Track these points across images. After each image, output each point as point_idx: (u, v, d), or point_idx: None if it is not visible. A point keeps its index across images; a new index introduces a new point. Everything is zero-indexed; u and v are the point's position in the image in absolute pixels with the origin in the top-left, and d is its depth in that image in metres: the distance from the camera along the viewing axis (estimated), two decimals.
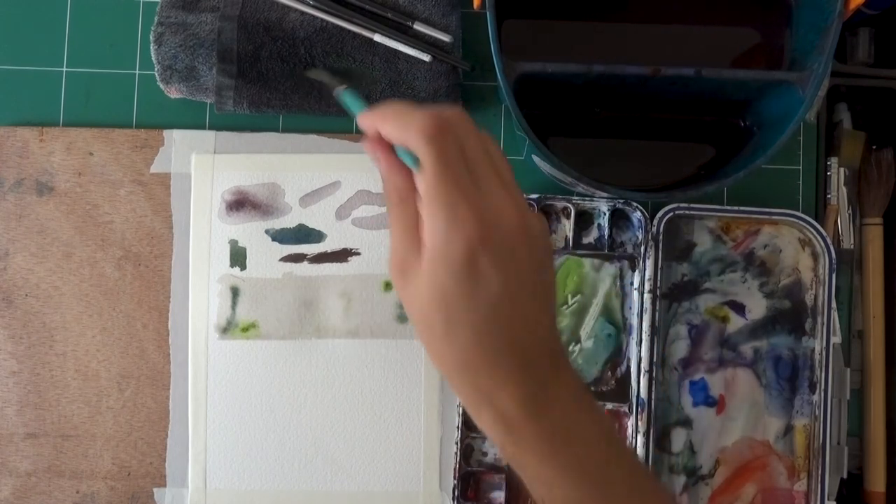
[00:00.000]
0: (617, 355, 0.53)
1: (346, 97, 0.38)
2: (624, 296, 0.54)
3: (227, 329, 0.53)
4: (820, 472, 0.52)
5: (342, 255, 0.54)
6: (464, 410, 0.52)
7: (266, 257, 0.53)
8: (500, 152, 0.34)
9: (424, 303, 0.31)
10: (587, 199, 0.53)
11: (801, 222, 0.53)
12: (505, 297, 0.31)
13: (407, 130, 0.31)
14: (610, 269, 0.54)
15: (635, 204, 0.53)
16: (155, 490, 0.53)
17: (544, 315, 0.32)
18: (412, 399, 0.53)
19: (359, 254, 0.54)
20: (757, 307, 0.54)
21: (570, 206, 0.53)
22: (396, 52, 0.52)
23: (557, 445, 0.32)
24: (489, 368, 0.31)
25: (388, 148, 0.33)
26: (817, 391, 0.52)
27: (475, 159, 0.32)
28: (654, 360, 0.52)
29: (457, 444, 0.52)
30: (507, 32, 0.53)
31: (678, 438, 0.53)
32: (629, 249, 0.54)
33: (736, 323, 0.54)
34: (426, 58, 0.52)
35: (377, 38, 0.52)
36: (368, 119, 0.34)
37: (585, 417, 0.33)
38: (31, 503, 0.53)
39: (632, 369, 0.52)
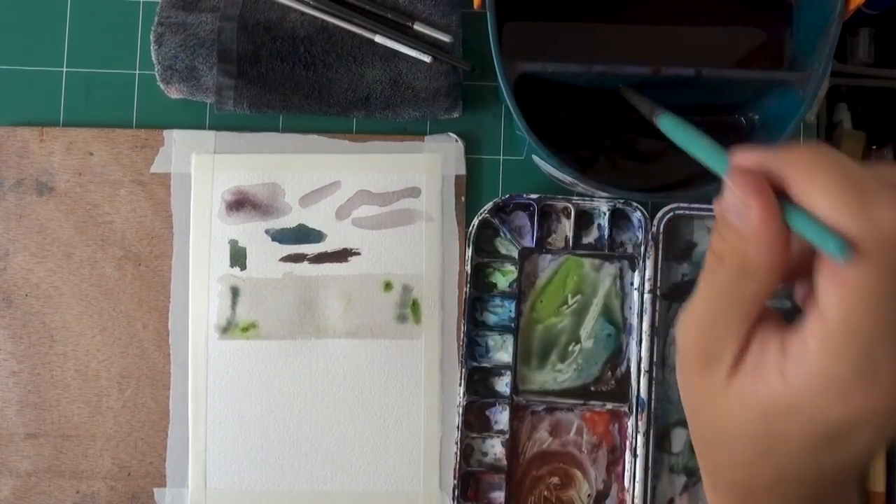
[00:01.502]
0: (617, 355, 0.53)
1: (697, 143, 0.29)
2: (624, 296, 0.54)
3: (227, 329, 0.53)
4: None
5: (342, 255, 0.54)
6: (464, 410, 0.52)
7: (266, 257, 0.53)
8: None
9: (741, 438, 0.24)
10: (587, 199, 0.53)
11: None
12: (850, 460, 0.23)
13: (860, 203, 0.20)
14: (610, 269, 0.54)
15: (635, 204, 0.53)
16: (155, 490, 0.53)
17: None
18: (412, 399, 0.53)
19: (359, 254, 0.54)
20: None
21: (570, 206, 0.53)
22: (396, 52, 0.52)
23: None
24: None
25: (775, 203, 0.22)
26: None
27: None
28: (654, 359, 0.52)
29: (457, 444, 0.52)
30: (507, 32, 0.53)
31: (678, 438, 0.53)
32: (629, 249, 0.54)
33: None
34: (426, 58, 0.52)
35: (378, 38, 0.52)
36: (766, 158, 0.23)
37: None
38: (30, 503, 0.53)
39: (632, 369, 0.53)
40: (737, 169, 0.23)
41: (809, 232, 0.21)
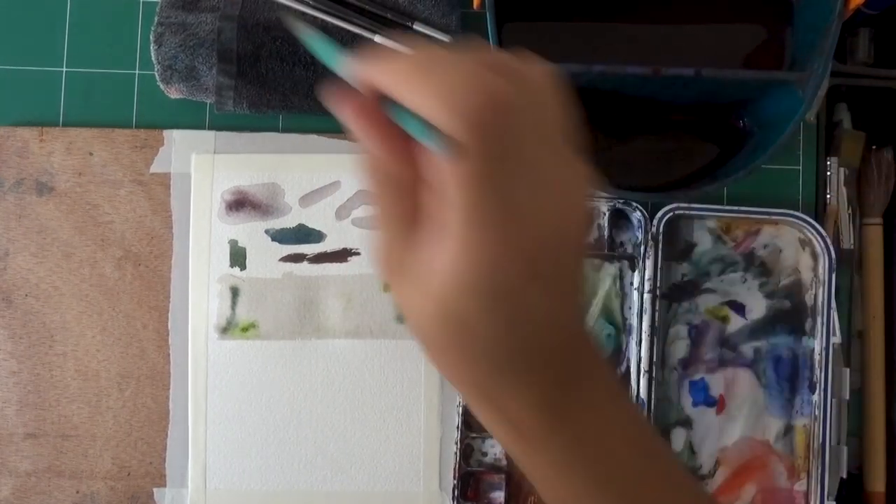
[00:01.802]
0: (617, 355, 0.53)
1: (317, 43, 0.26)
2: (624, 296, 0.54)
3: (226, 329, 0.53)
4: (820, 472, 0.52)
5: (342, 255, 0.54)
6: (464, 410, 0.52)
7: (266, 257, 0.53)
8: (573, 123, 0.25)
9: (431, 323, 0.25)
10: None
11: (801, 222, 0.53)
12: (545, 321, 0.25)
13: (442, 101, 0.22)
14: (610, 270, 0.54)
15: (635, 204, 0.53)
16: (155, 490, 0.53)
17: (572, 310, 0.26)
18: (412, 399, 0.53)
19: (359, 254, 0.54)
20: (757, 307, 0.54)
21: None
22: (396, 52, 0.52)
23: (582, 459, 0.27)
24: (502, 377, 0.26)
25: (384, 118, 0.24)
26: (817, 391, 0.52)
27: (542, 145, 0.24)
28: (654, 360, 0.52)
29: (457, 444, 0.52)
30: (507, 33, 0.53)
31: (678, 438, 0.53)
32: (629, 249, 0.54)
33: (736, 323, 0.54)
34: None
35: (378, 39, 0.52)
36: (366, 70, 0.24)
37: (618, 426, 0.27)
38: (30, 503, 0.53)
39: (632, 369, 0.52)
40: (346, 98, 0.24)
41: (419, 135, 0.23)
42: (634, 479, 0.27)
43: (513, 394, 0.26)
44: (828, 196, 0.55)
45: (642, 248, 0.53)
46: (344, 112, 0.24)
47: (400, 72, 0.23)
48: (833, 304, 0.53)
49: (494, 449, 0.53)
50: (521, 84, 0.24)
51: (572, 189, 0.24)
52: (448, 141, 0.22)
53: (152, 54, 0.52)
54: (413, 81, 0.23)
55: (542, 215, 0.23)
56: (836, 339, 0.53)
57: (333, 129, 0.54)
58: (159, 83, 0.52)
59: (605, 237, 0.53)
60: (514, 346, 0.25)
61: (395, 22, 0.53)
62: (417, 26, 0.52)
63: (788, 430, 0.53)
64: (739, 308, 0.54)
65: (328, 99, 0.24)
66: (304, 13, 0.53)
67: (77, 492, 0.53)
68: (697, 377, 0.53)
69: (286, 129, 0.54)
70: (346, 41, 0.52)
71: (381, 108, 0.24)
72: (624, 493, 0.27)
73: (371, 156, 0.25)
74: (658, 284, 0.52)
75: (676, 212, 0.52)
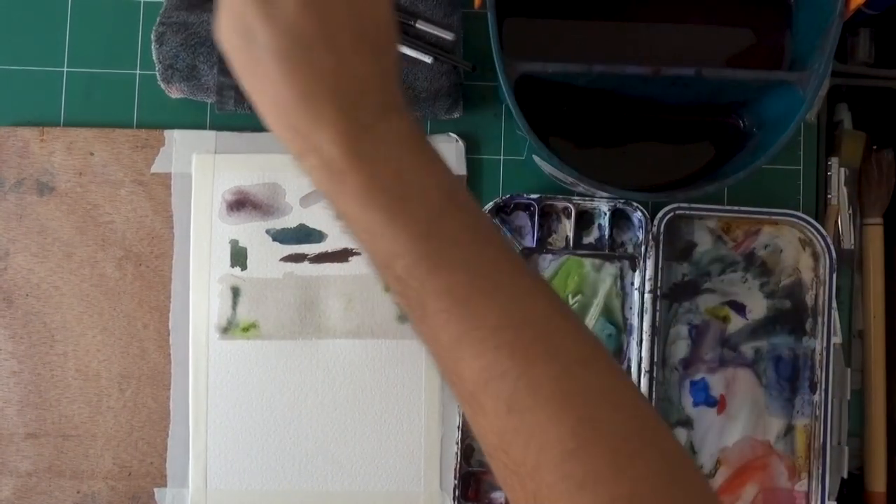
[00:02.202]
0: (617, 355, 0.53)
1: None
2: (624, 296, 0.54)
3: (227, 329, 0.53)
4: (820, 472, 0.52)
5: (343, 255, 0.54)
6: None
7: (266, 257, 0.53)
8: None
9: (225, 26, 0.28)
10: (587, 199, 0.53)
11: (801, 222, 0.53)
12: (307, 18, 0.28)
13: None
14: (610, 269, 0.54)
15: (636, 204, 0.53)
16: (155, 490, 0.53)
17: (368, 56, 0.29)
18: (412, 399, 0.53)
19: (359, 254, 0.54)
20: (757, 307, 0.54)
21: (570, 206, 0.53)
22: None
23: (382, 190, 0.29)
24: (304, 106, 0.28)
25: None
26: (818, 391, 0.52)
27: None
28: (655, 360, 0.52)
29: (457, 444, 0.52)
30: (507, 32, 0.53)
31: (679, 438, 0.53)
32: (629, 249, 0.54)
33: (736, 323, 0.54)
34: (427, 59, 0.52)
35: None
36: None
37: (418, 166, 0.30)
38: (31, 503, 0.53)
39: (632, 369, 0.52)
40: None
41: None
42: (431, 212, 0.29)
43: (321, 129, 0.28)
44: (828, 196, 0.55)
45: (643, 248, 0.53)
46: None
47: None
48: (833, 304, 0.53)
49: None
50: None
51: None
52: None
53: (153, 53, 0.52)
54: None
55: None
56: (837, 339, 0.53)
57: None
58: (160, 82, 0.52)
59: (606, 237, 0.53)
60: (299, 59, 0.28)
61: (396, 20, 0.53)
62: (420, 24, 0.52)
63: (789, 430, 0.53)
64: (740, 308, 0.54)
65: None
66: None
67: (78, 492, 0.53)
68: (698, 377, 0.53)
69: None
70: None
71: None
72: (419, 222, 0.29)
73: None
74: (659, 284, 0.52)
75: (677, 212, 0.52)
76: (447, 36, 0.52)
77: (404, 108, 0.30)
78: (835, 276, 0.53)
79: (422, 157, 0.30)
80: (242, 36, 0.28)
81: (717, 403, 0.53)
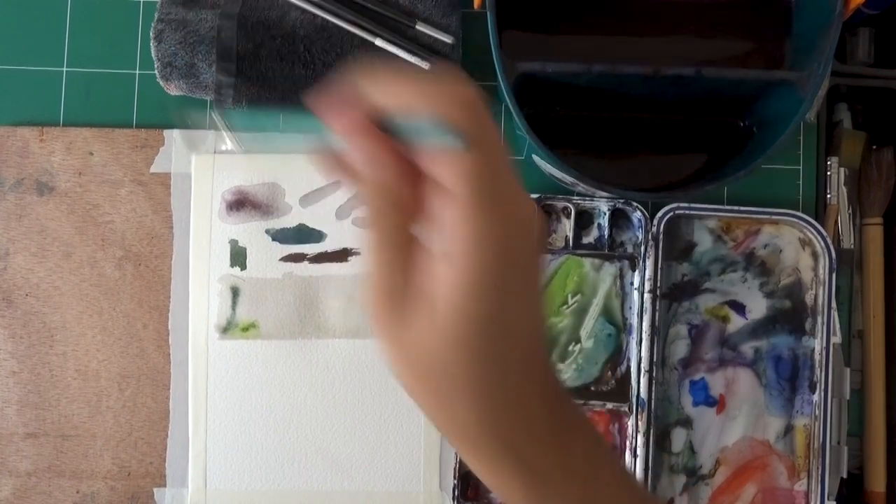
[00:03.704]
0: (617, 355, 0.53)
1: (301, 121, 0.26)
2: (624, 296, 0.54)
3: (227, 329, 0.53)
4: (820, 471, 0.52)
5: (342, 255, 0.54)
6: None
7: (266, 257, 0.53)
8: None
9: (445, 341, 0.25)
10: (587, 199, 0.53)
11: (801, 222, 0.53)
12: (534, 324, 0.26)
13: (440, 96, 0.24)
14: (610, 269, 0.54)
15: (635, 204, 0.53)
16: (155, 490, 0.53)
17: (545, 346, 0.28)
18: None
19: (359, 253, 0.53)
20: (757, 307, 0.54)
21: (570, 205, 0.53)
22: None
23: (584, 486, 0.27)
24: (518, 413, 0.26)
25: (376, 129, 0.24)
26: (817, 391, 0.52)
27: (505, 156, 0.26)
28: (655, 359, 0.52)
29: None
30: (507, 32, 0.53)
31: (678, 438, 0.53)
32: (629, 249, 0.54)
33: (736, 323, 0.54)
34: (425, 66, 0.51)
35: (378, 42, 0.52)
36: (364, 90, 0.25)
37: (602, 452, 0.29)
38: (31, 503, 0.53)
39: (632, 369, 0.52)
40: (347, 130, 0.25)
41: (428, 135, 0.24)
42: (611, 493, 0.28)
43: (533, 436, 0.26)
44: (828, 196, 0.55)
45: (643, 247, 0.53)
46: (344, 131, 0.25)
47: (390, 78, 0.24)
48: (833, 304, 0.53)
49: None
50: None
51: (529, 205, 0.26)
52: (455, 134, 0.24)
53: (152, 51, 0.51)
54: (406, 83, 0.24)
55: (521, 211, 0.25)
56: (837, 338, 0.53)
57: None
58: (159, 80, 0.52)
59: (606, 237, 0.53)
60: (522, 368, 0.25)
61: (395, 21, 0.53)
62: (420, 26, 0.52)
63: (789, 429, 0.53)
64: (739, 308, 0.54)
65: (319, 111, 0.25)
66: (304, 10, 0.53)
67: (77, 492, 0.53)
68: (698, 377, 0.53)
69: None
70: (348, 45, 0.52)
71: (378, 127, 0.24)
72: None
73: (370, 173, 0.25)
74: (658, 284, 0.52)
75: (676, 212, 0.52)
76: (446, 39, 0.52)
77: (573, 419, 0.28)
78: (834, 275, 0.53)
79: (600, 444, 0.29)
80: (474, 347, 0.25)
81: (717, 403, 0.53)
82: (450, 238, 0.24)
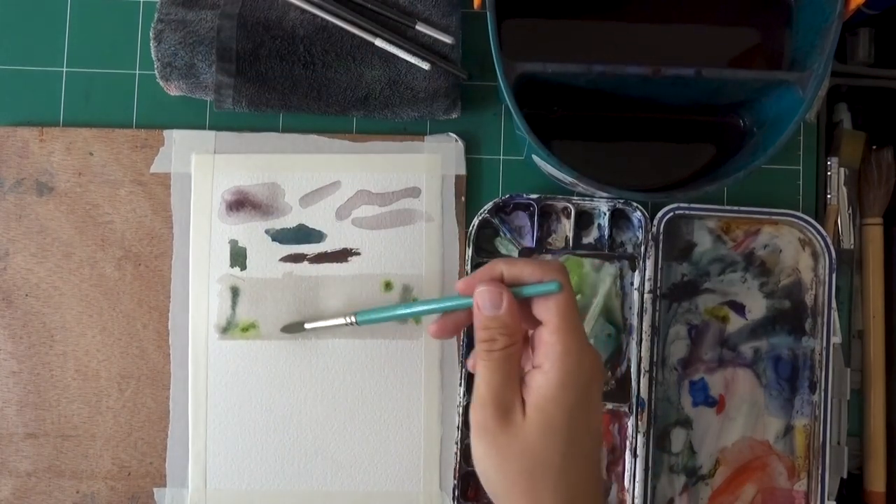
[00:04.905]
0: (617, 355, 0.53)
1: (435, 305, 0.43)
2: (624, 296, 0.54)
3: (227, 329, 0.53)
4: (820, 472, 0.52)
5: (342, 255, 0.54)
6: (464, 410, 0.52)
7: (266, 257, 0.53)
8: None
9: (541, 431, 0.35)
10: (587, 199, 0.53)
11: (801, 222, 0.53)
12: (597, 421, 0.37)
13: (543, 266, 0.38)
14: (610, 269, 0.54)
15: (635, 204, 0.53)
16: (155, 490, 0.53)
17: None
18: (412, 399, 0.53)
19: (359, 254, 0.54)
20: (757, 307, 0.54)
21: (570, 206, 0.53)
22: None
23: None
24: (587, 497, 0.35)
25: (498, 282, 0.38)
26: (817, 391, 0.52)
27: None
28: (654, 360, 0.52)
29: (457, 444, 0.52)
30: (507, 32, 0.53)
31: (678, 438, 0.53)
32: (629, 249, 0.54)
33: (736, 323, 0.54)
34: (425, 66, 0.51)
35: (378, 42, 0.52)
36: (496, 267, 0.39)
37: None
38: (31, 503, 0.53)
39: (632, 369, 0.52)
40: (476, 286, 0.38)
41: (534, 290, 0.38)
42: None
43: None
44: (828, 196, 0.55)
45: (642, 248, 0.53)
46: (486, 290, 0.38)
47: (514, 260, 0.39)
48: (833, 304, 0.53)
49: None
50: None
51: (594, 353, 0.38)
52: (552, 285, 0.37)
53: (152, 51, 0.51)
54: (523, 262, 0.38)
55: (591, 349, 0.37)
56: (836, 339, 0.53)
57: (333, 129, 0.54)
58: (158, 80, 0.52)
59: (606, 237, 0.53)
60: (596, 457, 0.37)
61: (395, 21, 0.53)
62: (420, 26, 0.52)
63: (788, 430, 0.53)
64: (739, 308, 0.54)
65: (462, 289, 0.40)
66: (304, 10, 0.53)
67: (77, 492, 0.53)
68: (697, 377, 0.53)
69: (286, 129, 0.54)
70: (348, 45, 0.52)
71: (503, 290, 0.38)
72: None
73: (498, 317, 0.37)
74: (658, 284, 0.52)
75: (676, 212, 0.52)
76: (447, 39, 0.52)
77: None
78: (834, 276, 0.53)
79: None
80: (565, 441, 0.35)
81: (717, 403, 0.53)
82: (543, 354, 0.36)
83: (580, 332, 0.36)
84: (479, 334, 0.37)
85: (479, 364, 0.37)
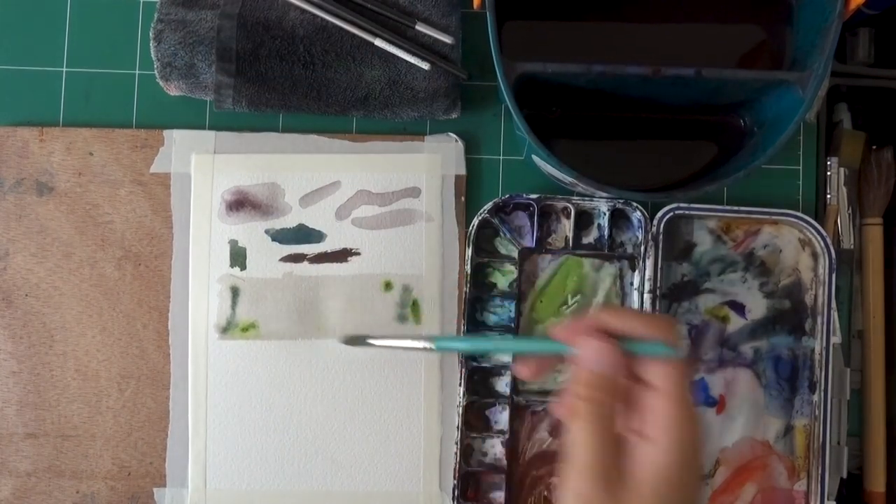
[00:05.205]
0: None
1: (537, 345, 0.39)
2: (624, 296, 0.54)
3: (226, 329, 0.53)
4: (820, 472, 0.52)
5: (342, 255, 0.54)
6: (464, 410, 0.52)
7: (266, 257, 0.53)
8: None
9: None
10: (587, 199, 0.53)
11: (801, 222, 0.53)
12: (700, 490, 0.35)
13: (658, 324, 0.34)
14: (610, 269, 0.54)
15: (635, 204, 0.53)
16: (155, 490, 0.53)
17: None
18: (412, 399, 0.53)
19: (359, 254, 0.54)
20: (757, 307, 0.54)
21: (570, 206, 0.53)
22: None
23: None
24: None
25: (605, 335, 0.34)
26: (817, 391, 0.52)
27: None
28: None
29: (457, 444, 0.52)
30: (507, 32, 0.53)
31: None
32: (629, 249, 0.54)
33: (736, 323, 0.54)
34: (424, 66, 0.51)
35: (378, 42, 0.52)
36: (602, 316, 0.35)
37: None
38: (31, 503, 0.53)
39: None
40: (579, 336, 0.34)
41: (646, 351, 0.34)
42: None
43: None
44: (828, 196, 0.55)
45: (642, 248, 0.53)
46: (587, 343, 0.34)
47: (623, 312, 0.36)
48: (833, 304, 0.53)
49: (494, 449, 0.53)
50: None
51: (700, 421, 0.35)
52: (667, 349, 0.33)
53: (152, 51, 0.51)
54: (635, 317, 0.35)
55: (698, 416, 0.34)
56: (836, 339, 0.53)
57: (333, 129, 0.54)
58: (159, 80, 0.52)
59: (605, 237, 0.53)
60: None
61: (395, 21, 0.53)
62: (420, 26, 0.52)
63: (788, 430, 0.53)
64: (739, 308, 0.54)
65: (562, 336, 0.35)
66: (304, 10, 0.53)
67: (77, 492, 0.53)
68: (697, 377, 0.53)
69: (286, 129, 0.54)
70: (348, 45, 0.52)
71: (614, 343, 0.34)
72: None
73: (598, 369, 0.34)
74: (658, 284, 0.52)
75: (676, 212, 0.52)
76: (447, 39, 0.52)
77: None
78: (834, 276, 0.53)
79: None
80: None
81: (717, 403, 0.53)
82: (653, 423, 0.33)
83: (691, 400, 0.33)
84: (578, 390, 0.34)
85: (576, 423, 0.33)
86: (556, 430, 0.53)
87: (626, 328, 0.34)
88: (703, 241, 0.54)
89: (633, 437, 0.33)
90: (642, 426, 0.33)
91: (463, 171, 0.54)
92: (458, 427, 0.52)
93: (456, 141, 0.54)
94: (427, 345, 0.42)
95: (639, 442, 0.33)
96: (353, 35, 0.52)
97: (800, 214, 0.53)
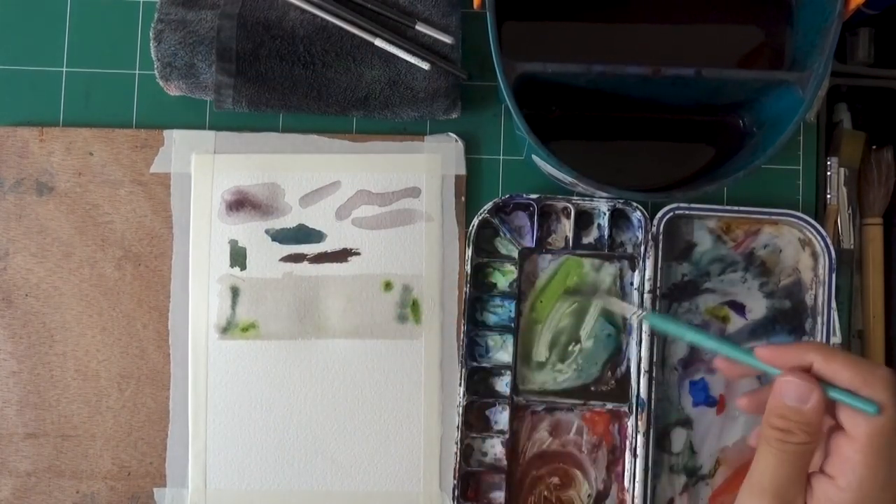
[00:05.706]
0: (617, 355, 0.53)
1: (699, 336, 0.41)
2: (624, 296, 0.54)
3: (226, 329, 0.53)
4: None
5: (342, 255, 0.54)
6: (464, 410, 0.52)
7: (266, 257, 0.53)
8: None
9: None
10: (587, 199, 0.53)
11: (801, 222, 0.53)
12: None
13: (866, 373, 0.34)
14: (610, 269, 0.54)
15: (635, 204, 0.53)
16: (155, 490, 0.53)
17: None
18: (412, 399, 0.53)
19: (359, 254, 0.54)
20: (757, 307, 0.54)
21: (570, 206, 0.53)
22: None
23: None
24: None
25: (819, 386, 0.34)
26: None
27: None
28: (654, 360, 0.52)
29: (457, 444, 0.52)
30: (507, 32, 0.53)
31: (678, 438, 0.53)
32: (629, 249, 0.54)
33: (736, 323, 0.54)
34: (425, 66, 0.51)
35: (378, 42, 0.52)
36: (811, 355, 0.35)
37: None
38: (30, 503, 0.53)
39: (632, 369, 0.52)
40: (790, 367, 0.35)
41: (853, 402, 0.33)
42: None
43: None
44: (828, 196, 0.55)
45: (642, 248, 0.53)
46: (790, 380, 0.35)
47: (836, 356, 0.34)
48: (833, 304, 0.53)
49: (494, 449, 0.53)
50: None
51: None
52: (871, 406, 0.33)
53: (152, 51, 0.51)
54: (849, 364, 0.34)
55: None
56: (837, 339, 0.53)
57: (333, 129, 0.54)
58: (158, 80, 0.52)
59: (605, 237, 0.53)
60: None
61: (395, 21, 0.53)
62: (420, 26, 0.52)
63: None
64: (739, 308, 0.54)
65: (767, 359, 0.36)
66: (304, 10, 0.53)
67: (77, 492, 0.53)
68: (697, 377, 0.53)
69: (286, 129, 0.54)
70: (348, 45, 0.52)
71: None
72: None
73: (800, 408, 0.34)
74: (658, 284, 0.52)
75: (676, 212, 0.52)
76: (447, 39, 0.52)
77: None
78: (834, 276, 0.53)
79: None
80: None
81: (717, 403, 0.53)
82: (839, 466, 0.33)
83: (890, 459, 0.33)
84: (773, 420, 0.35)
85: (766, 449, 0.35)
86: (556, 430, 0.53)
87: (831, 373, 0.34)
88: (703, 241, 0.54)
89: (818, 473, 0.35)
90: (828, 465, 0.34)
91: (463, 171, 0.54)
92: (458, 427, 0.52)
93: (456, 141, 0.54)
94: (641, 313, 0.49)
95: (823, 479, 0.34)
96: (353, 35, 0.52)
97: (800, 214, 0.53)
